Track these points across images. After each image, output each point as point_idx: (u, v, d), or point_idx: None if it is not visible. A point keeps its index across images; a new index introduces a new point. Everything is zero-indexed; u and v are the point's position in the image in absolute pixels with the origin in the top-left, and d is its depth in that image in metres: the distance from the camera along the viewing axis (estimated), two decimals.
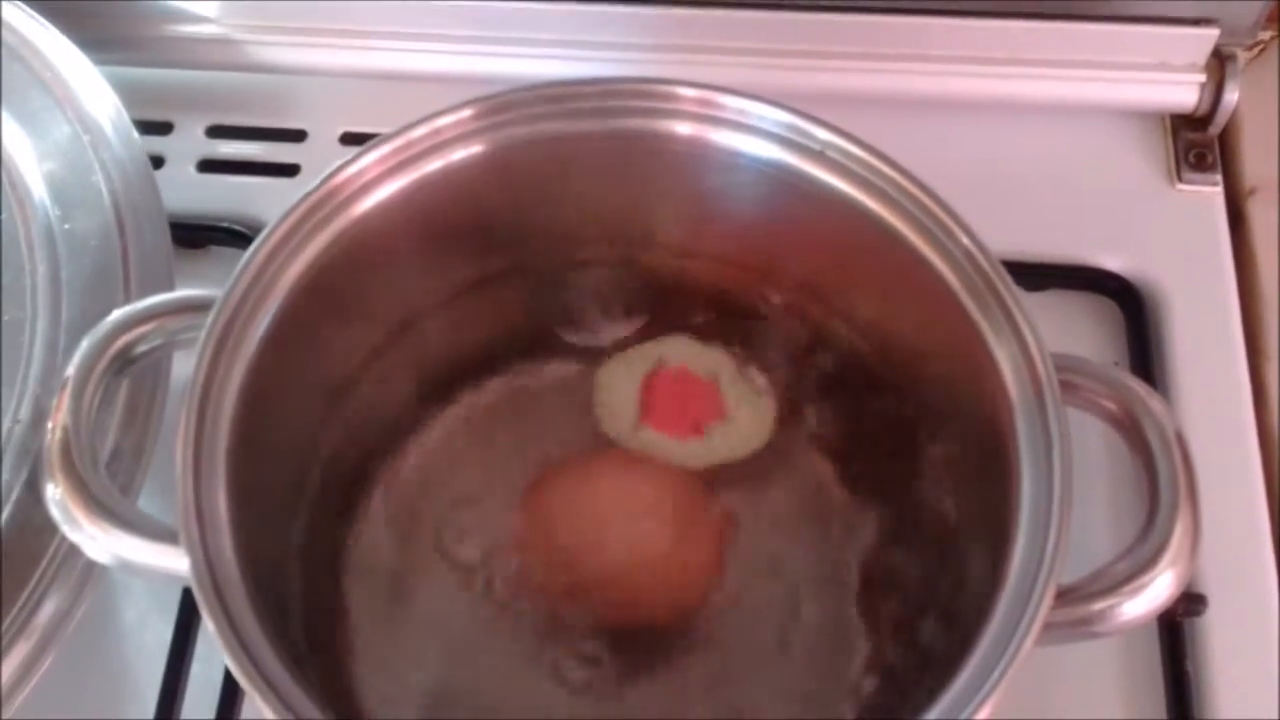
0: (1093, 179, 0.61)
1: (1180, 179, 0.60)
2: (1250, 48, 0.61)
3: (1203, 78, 0.60)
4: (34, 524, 0.45)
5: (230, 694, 0.49)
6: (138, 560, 0.38)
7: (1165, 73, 0.60)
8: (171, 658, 0.50)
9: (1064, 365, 0.40)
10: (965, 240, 0.41)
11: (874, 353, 0.48)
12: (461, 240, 0.47)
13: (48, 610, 0.44)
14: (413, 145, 0.43)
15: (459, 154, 0.44)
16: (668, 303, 0.51)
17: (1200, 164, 0.61)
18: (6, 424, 0.47)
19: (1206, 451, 0.52)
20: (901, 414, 0.47)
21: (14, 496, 0.46)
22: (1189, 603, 0.50)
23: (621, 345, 0.51)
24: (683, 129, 0.44)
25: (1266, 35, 0.61)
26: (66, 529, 0.39)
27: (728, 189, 0.46)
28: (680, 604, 0.48)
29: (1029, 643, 0.35)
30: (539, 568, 0.48)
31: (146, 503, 0.47)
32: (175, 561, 0.37)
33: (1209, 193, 0.60)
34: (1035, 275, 0.57)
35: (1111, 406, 0.40)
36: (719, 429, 0.50)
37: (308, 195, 0.42)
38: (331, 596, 0.48)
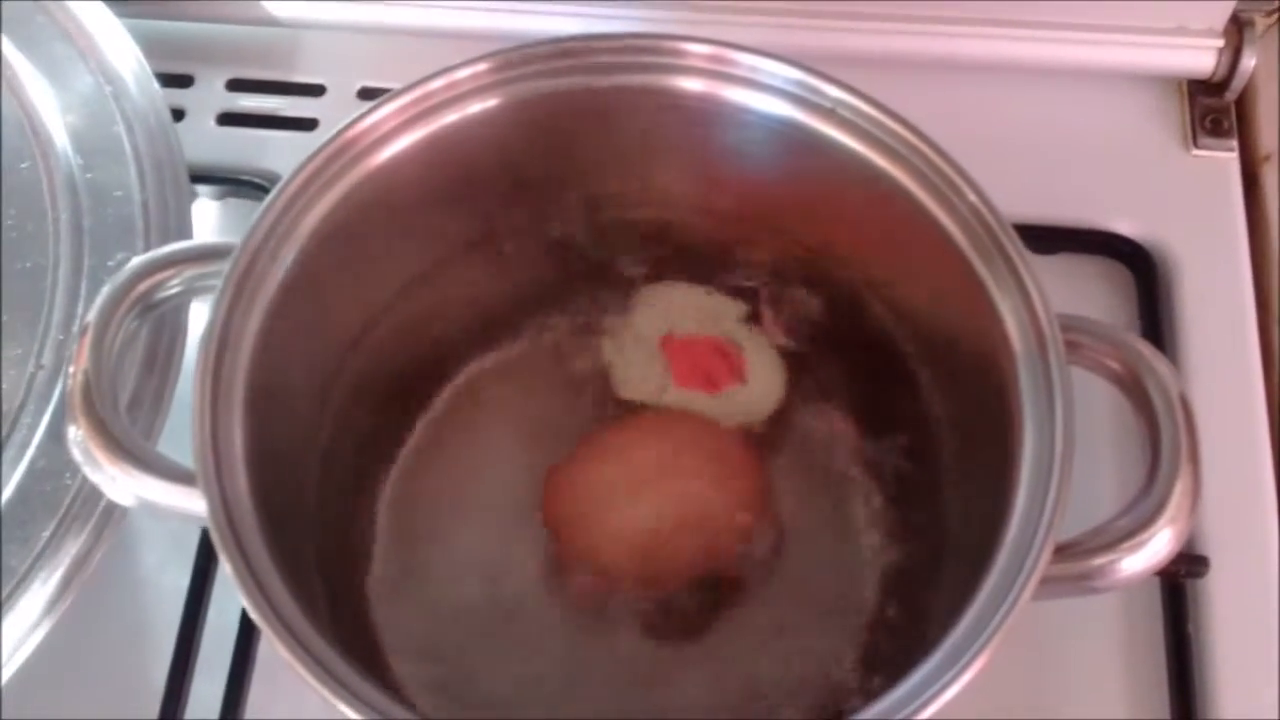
0: (1108, 143, 0.61)
1: (1196, 144, 0.60)
2: (1269, 14, 0.61)
3: (1220, 43, 0.60)
4: (56, 467, 0.46)
5: (246, 636, 0.50)
6: (156, 500, 0.39)
7: (1183, 37, 0.60)
8: (189, 601, 0.50)
9: (1070, 325, 0.40)
10: (972, 197, 0.42)
11: (883, 307, 0.48)
12: (476, 192, 0.47)
13: (69, 551, 0.45)
14: (429, 98, 0.44)
15: (475, 107, 0.44)
16: (681, 257, 0.51)
17: (1216, 129, 0.61)
18: (29, 369, 0.48)
19: (1214, 414, 0.52)
20: (908, 368, 0.47)
21: (37, 440, 0.47)
22: (1191, 564, 0.50)
23: (633, 301, 0.52)
24: (695, 85, 0.44)
25: None
26: (87, 470, 0.39)
27: (740, 145, 0.46)
28: (727, 559, 0.48)
29: (1026, 595, 0.36)
30: (577, 548, 0.48)
31: (166, 450, 0.47)
32: (192, 502, 0.38)
33: (1224, 158, 0.60)
34: (1049, 238, 0.57)
35: (1116, 366, 0.40)
36: (736, 387, 0.51)
37: (325, 146, 0.43)
38: (348, 541, 0.49)
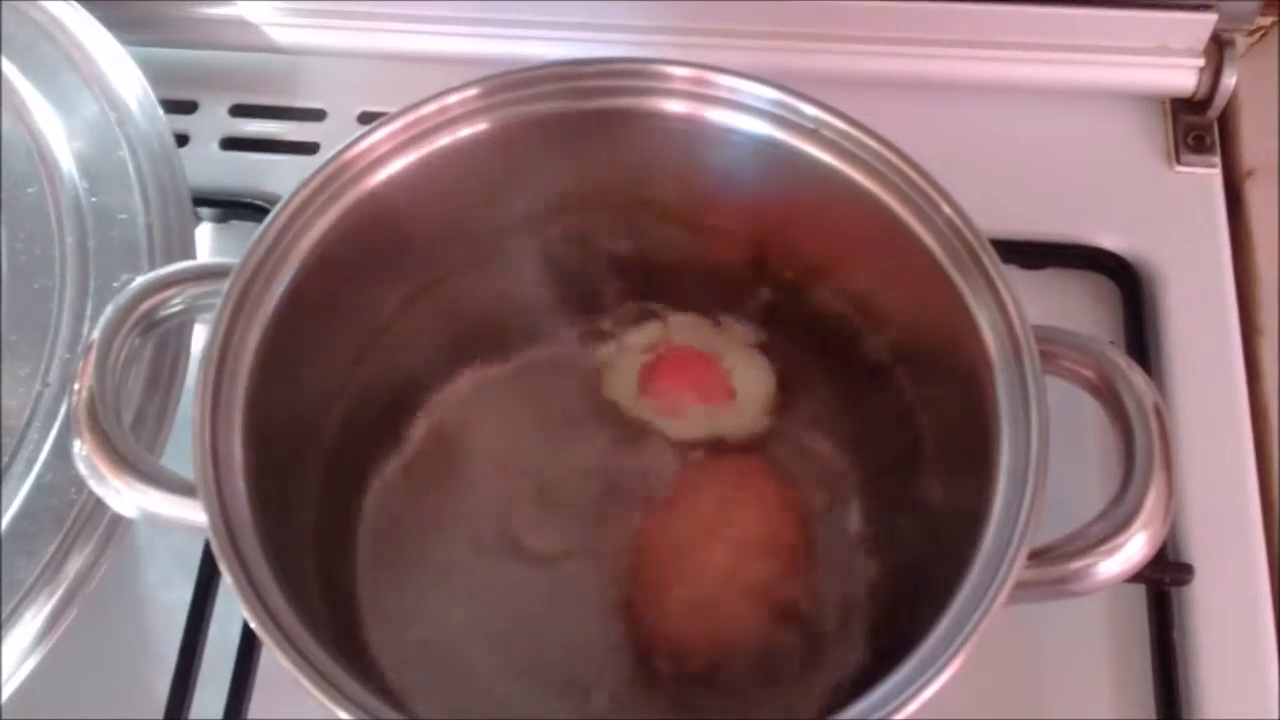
0: (1093, 161, 0.62)
1: (1179, 161, 0.61)
2: (1250, 33, 0.62)
3: (1201, 62, 0.61)
4: (61, 482, 0.47)
5: (248, 650, 0.51)
6: (159, 512, 0.40)
7: (1164, 56, 0.61)
8: (191, 615, 0.51)
9: (1046, 336, 0.41)
10: (947, 209, 0.42)
11: (865, 320, 0.49)
12: (468, 214, 0.48)
13: (73, 565, 0.46)
14: (422, 122, 0.45)
15: (465, 131, 0.45)
16: (667, 278, 0.52)
17: (1199, 146, 0.61)
18: (36, 388, 0.49)
19: (1198, 426, 0.53)
20: (891, 379, 0.48)
21: (43, 456, 0.48)
22: (1176, 572, 0.51)
23: (623, 320, 0.53)
24: (678, 107, 0.46)
25: (1267, 21, 0.62)
26: (92, 483, 0.40)
27: (725, 165, 0.47)
28: None
29: (1001, 599, 0.37)
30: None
31: (170, 466, 0.48)
32: (194, 514, 0.39)
33: (1207, 174, 0.61)
34: (1035, 254, 0.58)
35: (1091, 376, 0.41)
36: (724, 403, 0.51)
37: (321, 168, 0.44)
38: (346, 553, 0.49)
